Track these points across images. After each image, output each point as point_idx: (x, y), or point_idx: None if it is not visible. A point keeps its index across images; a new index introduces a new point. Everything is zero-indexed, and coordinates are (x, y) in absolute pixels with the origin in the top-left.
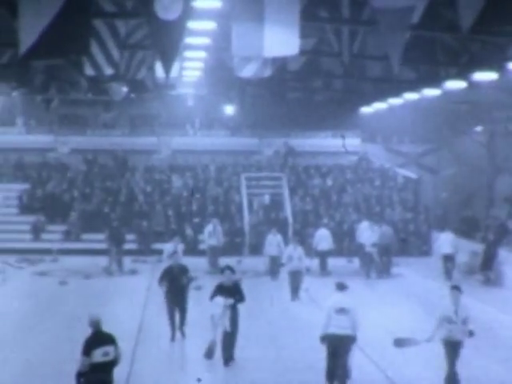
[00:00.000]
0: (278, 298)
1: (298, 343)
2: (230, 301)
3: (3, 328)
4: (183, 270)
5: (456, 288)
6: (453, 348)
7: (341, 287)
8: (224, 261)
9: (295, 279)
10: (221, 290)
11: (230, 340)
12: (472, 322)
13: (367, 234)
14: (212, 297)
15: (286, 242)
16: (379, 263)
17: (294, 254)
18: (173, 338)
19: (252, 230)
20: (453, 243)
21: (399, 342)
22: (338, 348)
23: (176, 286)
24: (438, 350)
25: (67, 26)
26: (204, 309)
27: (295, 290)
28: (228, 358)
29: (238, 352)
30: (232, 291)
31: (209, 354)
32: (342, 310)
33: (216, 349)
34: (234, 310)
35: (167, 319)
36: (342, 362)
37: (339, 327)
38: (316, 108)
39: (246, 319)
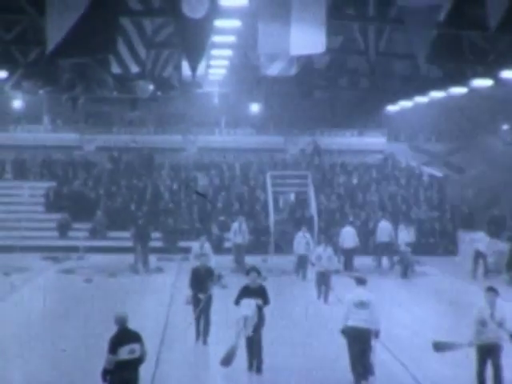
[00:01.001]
0: (304, 297)
1: (324, 342)
2: (259, 301)
3: (29, 325)
4: (210, 272)
5: (492, 290)
6: (487, 352)
7: (360, 281)
8: (249, 259)
9: (322, 280)
10: (247, 292)
11: (253, 345)
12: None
13: (402, 233)
14: (237, 300)
15: (313, 240)
16: (413, 262)
17: (323, 254)
18: (198, 338)
19: (277, 229)
20: (487, 244)
21: (439, 346)
22: (358, 341)
23: (202, 289)
24: (467, 352)
25: (94, 24)
26: (229, 309)
27: (325, 290)
28: (252, 364)
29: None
30: (258, 293)
31: (226, 361)
32: (361, 304)
33: (235, 356)
34: (260, 313)
35: (194, 319)
36: (363, 355)
37: (358, 320)
38: (342, 106)
39: (271, 319)
